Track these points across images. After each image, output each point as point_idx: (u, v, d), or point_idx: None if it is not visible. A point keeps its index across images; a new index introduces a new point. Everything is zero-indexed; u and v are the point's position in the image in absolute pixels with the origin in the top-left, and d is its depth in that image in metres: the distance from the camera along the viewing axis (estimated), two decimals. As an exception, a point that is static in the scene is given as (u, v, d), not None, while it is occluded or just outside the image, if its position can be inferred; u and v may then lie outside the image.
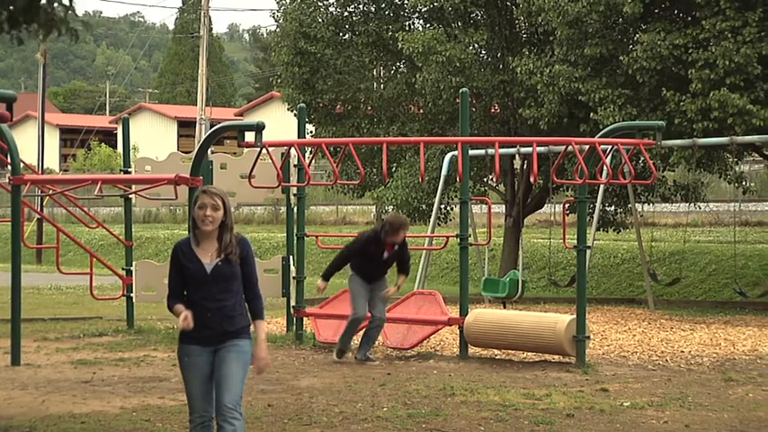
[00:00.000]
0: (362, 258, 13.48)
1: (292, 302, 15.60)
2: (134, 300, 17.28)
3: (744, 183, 23.68)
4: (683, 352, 14.56)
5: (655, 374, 12.63)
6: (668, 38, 19.42)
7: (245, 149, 15.39)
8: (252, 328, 7.13)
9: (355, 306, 13.50)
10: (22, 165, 14.65)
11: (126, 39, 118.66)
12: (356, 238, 13.97)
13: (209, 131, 13.38)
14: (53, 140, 79.98)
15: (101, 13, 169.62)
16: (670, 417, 9.93)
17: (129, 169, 18.58)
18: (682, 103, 19.26)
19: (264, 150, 12.51)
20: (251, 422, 9.43)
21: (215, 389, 7.00)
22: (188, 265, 7.03)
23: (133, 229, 18.84)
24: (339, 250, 14.16)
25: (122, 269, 17.81)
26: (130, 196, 17.51)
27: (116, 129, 70.23)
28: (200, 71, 48.49)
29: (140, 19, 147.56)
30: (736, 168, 23.30)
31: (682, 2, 20.26)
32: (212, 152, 16.06)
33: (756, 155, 24.22)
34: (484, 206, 23.34)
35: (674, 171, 25.13)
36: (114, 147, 68.72)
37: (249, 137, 12.17)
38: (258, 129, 11.90)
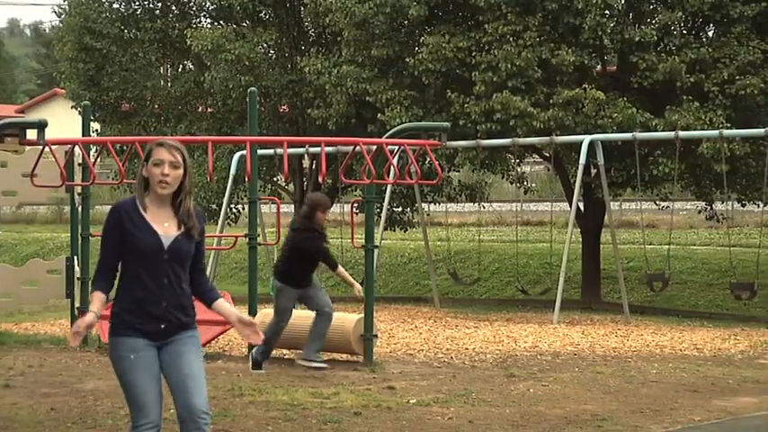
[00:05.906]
0: None
1: (77, 304, 15.22)
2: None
3: (525, 183, 24.38)
4: (467, 349, 14.85)
5: (440, 372, 12.83)
6: (453, 41, 19.81)
7: (27, 147, 14.96)
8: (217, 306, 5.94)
9: None
10: None
11: None
12: None
13: (-11, 128, 12.93)
14: None
15: None
16: (455, 413, 10.11)
17: None
18: (466, 105, 19.68)
19: (47, 148, 12.18)
20: (33, 426, 9.19)
21: (178, 391, 5.82)
22: (137, 234, 5.61)
23: None
24: None
25: None
26: None
27: None
28: (-21, 66, 46.88)
29: None
30: (518, 169, 23.95)
31: (465, 6, 20.69)
32: (-8, 150, 15.53)
33: (537, 156, 24.97)
34: (273, 206, 23.32)
35: (459, 171, 25.66)
36: None
37: (31, 134, 11.84)
38: (40, 126, 11.60)
